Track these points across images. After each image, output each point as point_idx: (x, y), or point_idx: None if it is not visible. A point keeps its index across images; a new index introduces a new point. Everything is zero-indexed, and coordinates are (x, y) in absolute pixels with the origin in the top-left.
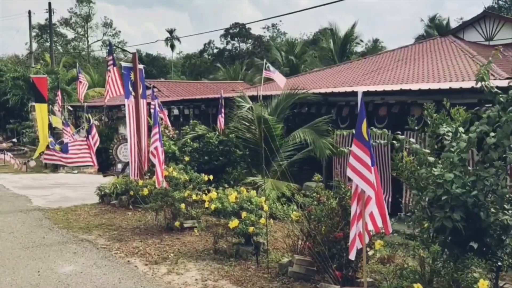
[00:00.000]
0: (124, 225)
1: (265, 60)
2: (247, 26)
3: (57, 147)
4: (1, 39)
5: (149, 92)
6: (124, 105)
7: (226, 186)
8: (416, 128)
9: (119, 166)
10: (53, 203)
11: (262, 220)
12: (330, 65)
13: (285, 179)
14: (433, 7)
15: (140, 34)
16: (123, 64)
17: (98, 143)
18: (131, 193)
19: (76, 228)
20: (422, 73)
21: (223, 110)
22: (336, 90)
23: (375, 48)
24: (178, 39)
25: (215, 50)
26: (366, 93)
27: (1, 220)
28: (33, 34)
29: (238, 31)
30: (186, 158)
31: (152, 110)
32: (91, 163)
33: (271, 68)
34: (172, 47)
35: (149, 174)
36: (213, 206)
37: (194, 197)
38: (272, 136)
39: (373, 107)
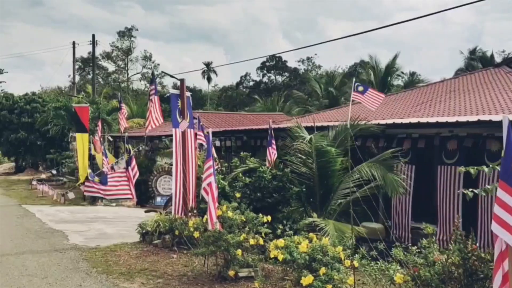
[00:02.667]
0: (169, 271)
1: (354, 79)
2: (283, 59)
3: (96, 178)
4: (45, 72)
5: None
6: (165, 136)
7: (280, 227)
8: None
9: (158, 199)
10: (91, 241)
11: (350, 280)
12: None
13: (341, 219)
14: (468, 41)
15: (178, 67)
16: (171, 91)
17: (137, 175)
18: (176, 232)
19: (117, 274)
20: (481, 105)
21: (273, 141)
22: (398, 121)
23: (412, 81)
24: (214, 71)
25: (251, 83)
26: (430, 125)
27: (35, 261)
28: (76, 67)
29: (275, 63)
30: (237, 195)
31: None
32: (130, 196)
33: (361, 87)
34: (209, 79)
35: (194, 211)
36: (280, 257)
37: (251, 241)
38: (332, 171)
39: (440, 141)
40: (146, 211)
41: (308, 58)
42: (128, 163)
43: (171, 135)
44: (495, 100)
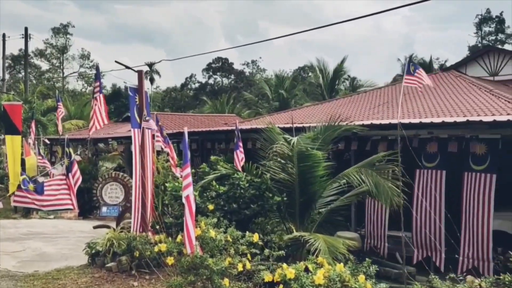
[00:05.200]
0: None
1: (407, 58)
2: (230, 61)
3: (31, 186)
4: None
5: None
6: (111, 138)
7: (259, 243)
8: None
9: (104, 209)
10: (27, 265)
11: None
12: (320, 100)
13: (320, 230)
14: (402, 50)
15: (117, 68)
16: (129, 85)
17: (79, 182)
18: (136, 253)
19: None
20: (445, 106)
21: (240, 144)
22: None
23: (353, 86)
24: (158, 72)
25: (197, 84)
26: (408, 126)
27: None
28: (6, 64)
29: (221, 65)
30: (210, 207)
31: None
32: (70, 206)
33: (413, 66)
34: (152, 80)
35: (157, 226)
36: None
37: (239, 267)
38: (314, 177)
39: (419, 143)
40: (95, 227)
41: (252, 62)
42: (69, 169)
43: (119, 138)
44: (453, 102)
